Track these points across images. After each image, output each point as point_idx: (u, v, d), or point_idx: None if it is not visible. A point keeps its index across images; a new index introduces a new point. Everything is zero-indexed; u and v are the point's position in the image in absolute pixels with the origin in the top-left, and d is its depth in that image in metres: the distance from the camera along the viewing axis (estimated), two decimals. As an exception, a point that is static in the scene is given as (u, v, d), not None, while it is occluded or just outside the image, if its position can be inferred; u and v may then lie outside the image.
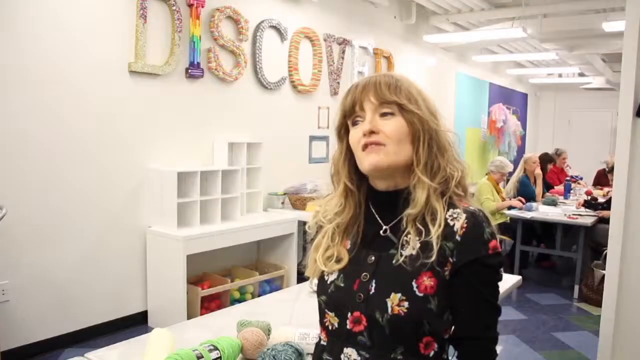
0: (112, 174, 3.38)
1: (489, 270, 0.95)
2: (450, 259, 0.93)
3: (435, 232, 0.93)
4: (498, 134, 8.50)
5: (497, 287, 0.98)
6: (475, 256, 0.93)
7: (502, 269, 0.99)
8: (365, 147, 0.97)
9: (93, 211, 3.30)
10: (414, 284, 0.93)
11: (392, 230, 1.00)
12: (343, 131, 1.03)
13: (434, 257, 0.92)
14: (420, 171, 0.96)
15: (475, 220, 0.95)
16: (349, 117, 1.01)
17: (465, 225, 0.94)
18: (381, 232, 1.01)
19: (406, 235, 0.96)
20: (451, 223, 0.95)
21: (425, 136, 0.96)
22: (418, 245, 0.94)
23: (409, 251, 0.95)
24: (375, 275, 0.97)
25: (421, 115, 0.96)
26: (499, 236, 1.00)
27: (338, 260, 1.03)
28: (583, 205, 5.07)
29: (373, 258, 0.99)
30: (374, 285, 0.97)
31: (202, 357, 1.33)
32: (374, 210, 1.04)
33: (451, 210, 0.96)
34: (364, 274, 0.99)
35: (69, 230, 3.19)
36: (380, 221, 1.02)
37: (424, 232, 0.94)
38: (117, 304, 3.46)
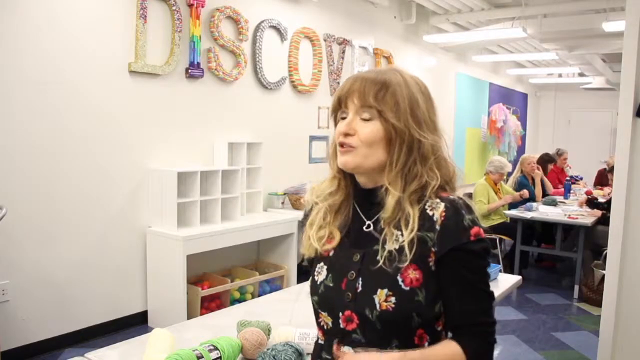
0: (112, 174, 3.38)
1: (472, 256, 0.94)
2: (433, 249, 0.94)
3: (407, 236, 0.94)
4: (498, 134, 8.50)
5: (485, 272, 0.97)
6: (456, 243, 0.93)
7: (488, 255, 0.98)
8: (341, 145, 1.00)
9: (93, 211, 3.30)
10: (399, 279, 0.94)
11: (374, 225, 1.02)
12: (338, 119, 1.06)
13: (407, 263, 0.94)
14: (390, 179, 0.97)
15: (454, 208, 0.95)
16: (337, 111, 1.04)
17: (444, 213, 0.95)
18: (364, 227, 1.03)
19: (386, 234, 0.98)
20: (430, 213, 0.96)
21: (402, 145, 0.97)
22: (396, 247, 0.95)
23: (390, 247, 0.96)
24: (361, 273, 0.99)
25: (398, 125, 0.96)
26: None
27: (330, 239, 1.05)
28: (586, 204, 5.05)
29: (358, 256, 1.01)
30: (360, 283, 0.98)
31: (202, 357, 1.33)
32: (357, 206, 1.06)
33: (430, 200, 0.97)
34: (351, 272, 1.00)
35: (69, 230, 3.19)
36: (362, 217, 1.04)
37: (399, 235, 0.96)
38: (117, 304, 3.46)
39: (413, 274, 0.94)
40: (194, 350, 1.34)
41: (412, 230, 0.94)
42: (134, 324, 3.54)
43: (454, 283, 0.95)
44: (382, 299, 0.94)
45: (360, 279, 0.98)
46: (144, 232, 3.56)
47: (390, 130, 0.97)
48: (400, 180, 0.97)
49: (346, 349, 0.99)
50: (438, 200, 0.96)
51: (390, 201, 0.96)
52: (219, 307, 3.55)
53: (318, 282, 1.05)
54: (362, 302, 0.96)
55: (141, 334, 1.64)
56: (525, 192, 5.24)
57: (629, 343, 2.36)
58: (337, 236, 1.05)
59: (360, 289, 0.98)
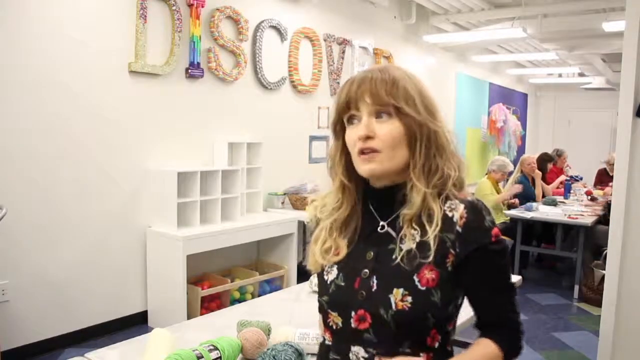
0: (112, 174, 3.38)
1: (496, 256, 0.94)
2: (452, 251, 0.93)
3: (432, 232, 0.92)
4: (498, 134, 8.50)
5: (508, 269, 0.98)
6: (478, 245, 0.93)
7: (507, 253, 0.98)
8: (360, 152, 0.96)
9: (93, 211, 3.30)
10: (416, 278, 0.93)
11: (389, 226, 1.00)
12: (339, 127, 1.02)
13: (431, 258, 0.92)
14: (416, 175, 0.95)
15: (475, 209, 0.94)
16: (343, 115, 0.99)
17: (464, 215, 0.94)
18: (379, 228, 1.01)
19: (404, 232, 0.96)
20: (450, 214, 0.94)
21: (422, 139, 0.95)
22: (415, 244, 0.94)
23: (407, 246, 0.94)
24: (376, 271, 0.97)
25: (418, 119, 0.94)
26: None
27: (336, 253, 1.02)
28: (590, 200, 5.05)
29: (372, 254, 0.99)
30: (375, 281, 0.96)
31: (202, 357, 1.32)
32: (371, 207, 1.03)
33: (448, 202, 0.96)
34: (364, 270, 0.98)
35: (69, 230, 3.19)
36: (377, 217, 1.02)
37: (420, 231, 0.94)
38: (117, 304, 3.46)
39: (429, 274, 0.93)
40: (194, 350, 1.33)
41: (437, 226, 0.92)
42: (134, 324, 3.53)
43: (481, 283, 0.95)
44: (398, 298, 0.93)
45: (374, 277, 0.96)
46: (144, 232, 3.56)
47: (411, 126, 0.94)
48: (423, 175, 0.95)
49: (358, 349, 0.97)
50: (457, 201, 0.95)
51: (417, 199, 0.94)
52: (219, 307, 3.54)
53: (328, 282, 1.02)
54: (377, 301, 0.94)
55: (141, 334, 1.64)
56: (519, 187, 5.22)
57: (629, 343, 2.36)
58: (344, 250, 1.02)
59: (375, 287, 0.96)
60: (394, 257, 0.95)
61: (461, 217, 0.94)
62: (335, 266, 1.02)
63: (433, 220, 0.93)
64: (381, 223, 1.00)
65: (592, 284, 4.27)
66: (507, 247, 0.97)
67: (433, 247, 0.92)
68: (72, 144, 3.16)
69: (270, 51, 4.37)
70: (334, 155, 1.04)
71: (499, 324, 0.98)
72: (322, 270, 1.05)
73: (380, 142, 0.94)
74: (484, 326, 0.99)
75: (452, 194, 0.96)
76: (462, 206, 0.94)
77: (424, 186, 0.94)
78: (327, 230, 1.04)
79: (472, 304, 0.99)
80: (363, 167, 0.96)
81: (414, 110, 0.94)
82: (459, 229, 0.93)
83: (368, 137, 0.94)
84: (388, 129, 0.94)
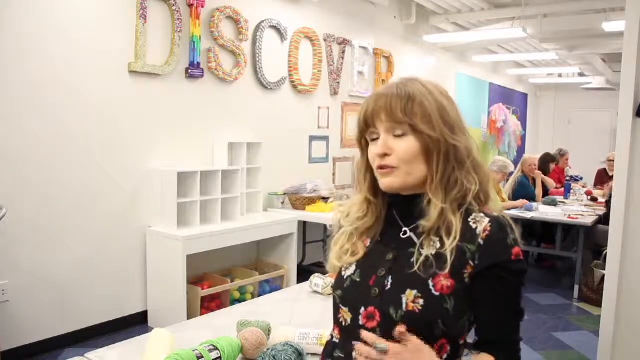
0: (112, 174, 3.38)
1: (512, 275, 0.94)
2: (471, 262, 0.93)
3: (449, 244, 0.93)
4: (498, 134, 8.50)
5: (521, 292, 0.97)
6: (497, 260, 0.92)
7: (525, 276, 0.96)
8: (379, 168, 0.98)
9: (93, 211, 3.30)
10: (430, 282, 0.93)
11: (412, 232, 1.01)
12: (363, 142, 1.04)
13: (447, 270, 0.92)
14: (432, 189, 0.96)
15: (499, 225, 0.95)
16: (365, 132, 1.02)
17: (488, 228, 0.94)
18: (401, 234, 1.02)
19: (424, 239, 0.97)
20: (473, 226, 0.95)
21: (440, 154, 0.96)
22: (434, 252, 0.95)
23: (426, 252, 0.95)
24: (392, 271, 0.98)
25: (434, 136, 0.95)
26: None
27: (353, 254, 1.04)
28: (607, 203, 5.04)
29: (391, 255, 1.00)
30: (390, 280, 0.97)
31: (202, 357, 1.32)
32: (395, 213, 1.04)
33: (474, 214, 0.96)
34: (381, 269, 0.99)
35: (69, 230, 3.19)
36: (401, 223, 1.03)
37: (439, 243, 0.95)
38: (117, 304, 3.46)
39: (445, 281, 0.93)
40: (194, 350, 1.33)
41: (454, 239, 0.93)
42: (134, 324, 3.53)
43: (491, 300, 0.94)
44: (410, 299, 0.93)
45: (390, 277, 0.97)
46: (144, 232, 3.56)
47: (427, 142, 0.95)
48: (441, 189, 0.96)
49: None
50: (482, 214, 0.96)
51: (433, 213, 0.95)
52: (219, 307, 3.54)
53: (345, 277, 1.04)
54: (389, 299, 0.95)
55: (141, 334, 1.64)
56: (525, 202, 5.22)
57: (629, 343, 2.36)
58: (361, 252, 1.04)
59: (388, 286, 0.97)
60: (412, 260, 0.96)
61: (484, 230, 0.94)
62: (355, 264, 1.04)
63: (451, 233, 0.93)
64: (404, 229, 1.02)
65: (592, 284, 4.27)
66: (525, 269, 0.96)
67: (450, 260, 0.92)
68: (72, 144, 3.16)
69: (270, 51, 4.37)
70: (360, 169, 1.07)
71: (499, 345, 0.96)
72: (341, 268, 1.07)
73: (396, 159, 0.96)
74: (484, 344, 0.98)
75: (475, 208, 0.97)
76: (487, 220, 0.95)
77: (441, 201, 0.95)
78: (347, 235, 1.07)
79: (477, 320, 0.97)
80: (382, 181, 0.99)
81: (429, 127, 0.95)
82: (480, 241, 0.93)
83: (385, 155, 0.97)
84: (404, 146, 0.96)
